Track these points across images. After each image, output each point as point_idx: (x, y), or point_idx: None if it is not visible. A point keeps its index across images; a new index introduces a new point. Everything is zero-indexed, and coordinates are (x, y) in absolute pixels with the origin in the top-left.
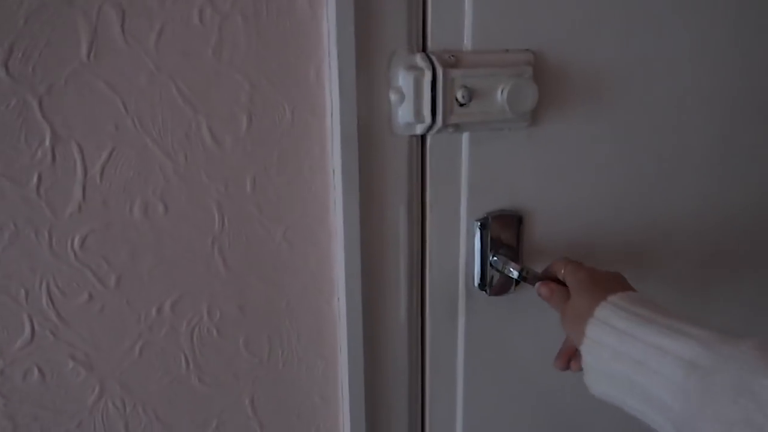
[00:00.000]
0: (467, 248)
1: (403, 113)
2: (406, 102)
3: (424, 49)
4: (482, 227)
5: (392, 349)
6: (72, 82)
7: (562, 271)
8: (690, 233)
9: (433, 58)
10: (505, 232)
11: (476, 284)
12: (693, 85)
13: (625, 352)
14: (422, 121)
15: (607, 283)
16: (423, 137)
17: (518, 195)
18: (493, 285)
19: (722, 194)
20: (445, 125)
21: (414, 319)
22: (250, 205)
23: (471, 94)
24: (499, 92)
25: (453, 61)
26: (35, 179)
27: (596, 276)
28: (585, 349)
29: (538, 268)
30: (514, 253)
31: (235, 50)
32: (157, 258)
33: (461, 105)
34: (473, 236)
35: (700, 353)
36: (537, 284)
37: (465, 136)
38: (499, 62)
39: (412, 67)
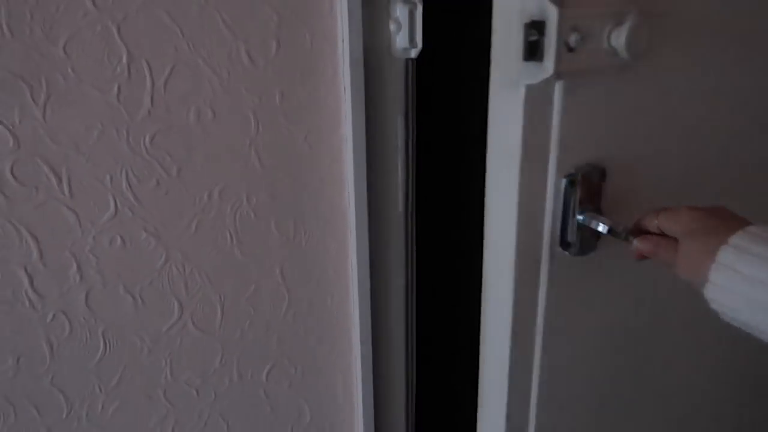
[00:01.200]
0: (554, 206)
1: (400, 40)
2: (402, 31)
3: None
4: (570, 184)
5: (391, 236)
6: (142, 12)
7: (656, 222)
8: None
9: None
10: (588, 188)
11: (560, 244)
12: None
13: (758, 300)
14: (415, 46)
15: (720, 221)
16: (414, 61)
17: (604, 147)
18: (578, 244)
19: None
20: (555, 74)
21: (409, 212)
22: (279, 114)
23: (583, 37)
24: (607, 34)
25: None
26: (116, 89)
27: (703, 217)
28: (710, 294)
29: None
30: (596, 208)
31: None
32: (207, 154)
33: (570, 50)
34: (560, 193)
35: None
36: (634, 241)
37: (558, 85)
38: (605, 1)
39: (407, 2)
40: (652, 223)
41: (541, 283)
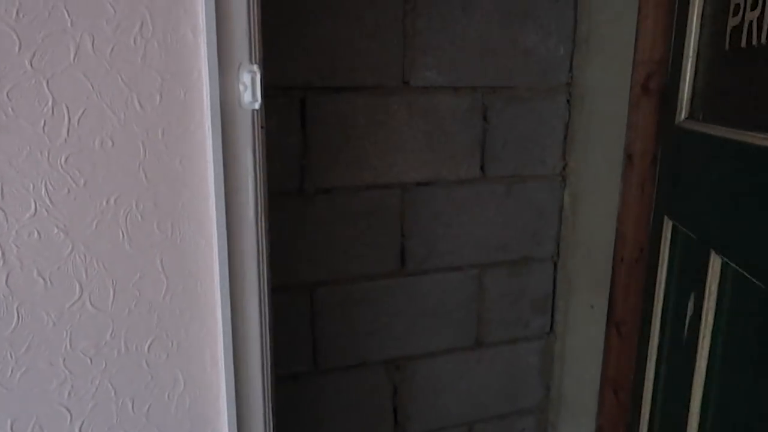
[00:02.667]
0: None
1: (246, 96)
2: (247, 90)
3: (257, 62)
4: None
5: (245, 236)
6: (65, 72)
7: None
8: None
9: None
10: None
11: None
12: None
13: None
14: (257, 101)
15: None
16: (257, 111)
17: None
18: None
19: None
20: None
21: (259, 217)
22: (161, 144)
23: None
24: None
25: None
26: (42, 123)
27: None
28: None
29: None
30: None
31: (152, 59)
32: (107, 172)
33: None
34: None
35: None
36: None
37: None
38: None
39: (250, 71)
40: None
41: None
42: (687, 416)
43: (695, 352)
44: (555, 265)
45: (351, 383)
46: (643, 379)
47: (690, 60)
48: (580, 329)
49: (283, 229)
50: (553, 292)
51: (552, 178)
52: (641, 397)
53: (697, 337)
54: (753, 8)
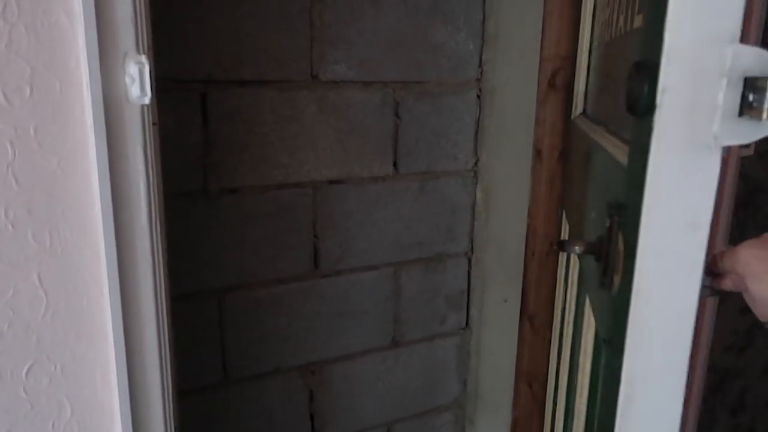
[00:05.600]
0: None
1: (134, 90)
2: (135, 83)
3: (145, 52)
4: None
5: (136, 244)
6: None
7: (720, 265)
8: None
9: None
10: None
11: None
12: None
13: None
14: (146, 95)
15: None
16: (148, 106)
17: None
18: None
19: None
20: None
21: (153, 222)
22: (34, 143)
23: None
24: None
25: None
26: None
27: (763, 251)
28: None
29: None
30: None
31: (20, 47)
32: None
33: None
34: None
35: None
36: (715, 281)
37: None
38: None
39: (138, 62)
40: (721, 267)
41: None
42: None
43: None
44: (469, 260)
45: (265, 391)
46: (556, 371)
47: (584, 54)
48: (494, 324)
49: (187, 232)
50: (468, 287)
51: (464, 173)
52: (555, 388)
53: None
54: None
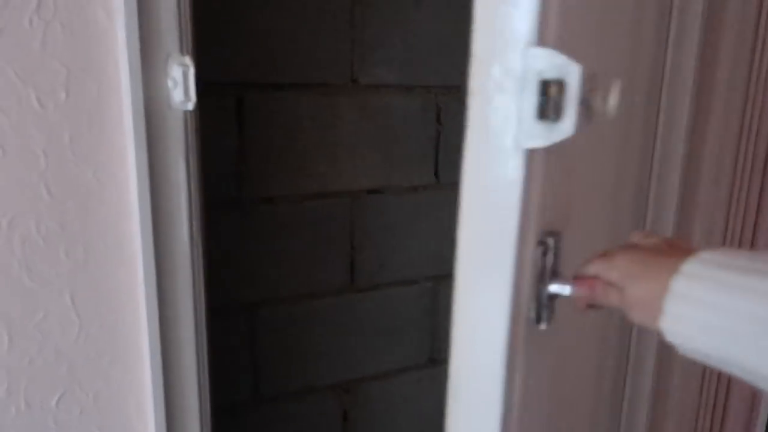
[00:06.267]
0: (531, 277)
1: (177, 95)
2: (178, 87)
3: (189, 53)
4: (543, 253)
5: (177, 261)
6: None
7: (591, 270)
8: None
9: (562, 58)
10: (551, 255)
11: (534, 317)
12: None
13: (715, 326)
14: (190, 100)
15: (662, 257)
16: (191, 112)
17: (563, 211)
18: (546, 313)
19: None
20: (575, 133)
21: (194, 236)
22: (68, 152)
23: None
24: (606, 95)
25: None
26: None
27: (642, 257)
28: (664, 326)
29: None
30: (557, 275)
31: (55, 46)
32: None
33: (587, 109)
34: (537, 264)
35: None
36: (569, 288)
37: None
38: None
39: (182, 64)
40: (590, 272)
41: (520, 357)
42: None
43: None
44: None
45: (297, 410)
46: None
47: None
48: None
49: (218, 243)
50: None
51: None
52: None
53: None
54: None
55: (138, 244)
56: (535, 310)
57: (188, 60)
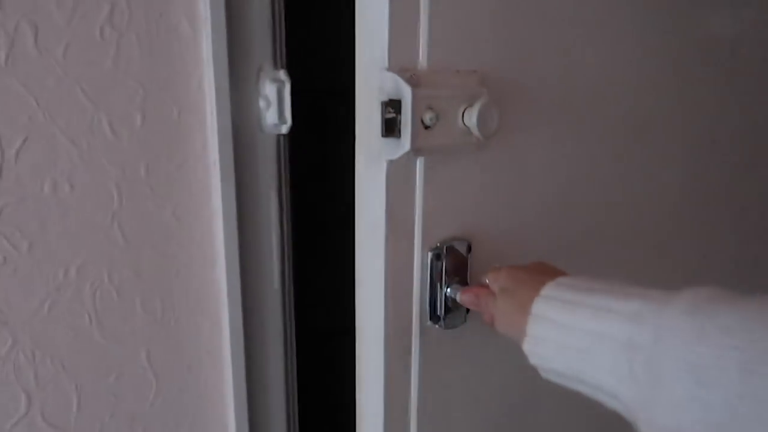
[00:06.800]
0: (421, 280)
1: (270, 116)
2: (271, 107)
3: (284, 67)
4: (436, 257)
5: (267, 313)
6: None
7: (484, 280)
8: (640, 249)
9: (396, 78)
10: (455, 261)
11: (430, 318)
12: (638, 104)
13: (567, 345)
14: (285, 122)
15: (533, 276)
16: (286, 137)
17: (467, 221)
18: (446, 317)
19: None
20: (413, 149)
21: (285, 288)
22: (144, 186)
23: (437, 116)
24: (462, 114)
25: (415, 80)
26: None
27: (518, 274)
28: (527, 348)
29: None
30: (463, 281)
31: (130, 62)
32: (64, 229)
33: (426, 128)
34: (427, 267)
35: (633, 331)
36: (458, 294)
37: (420, 161)
38: (454, 83)
39: (276, 80)
40: (483, 281)
41: (413, 358)
42: None
43: None
44: None
45: None
46: None
47: None
48: None
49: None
50: None
51: None
52: None
53: None
54: None
55: (223, 295)
56: (428, 312)
57: (283, 74)
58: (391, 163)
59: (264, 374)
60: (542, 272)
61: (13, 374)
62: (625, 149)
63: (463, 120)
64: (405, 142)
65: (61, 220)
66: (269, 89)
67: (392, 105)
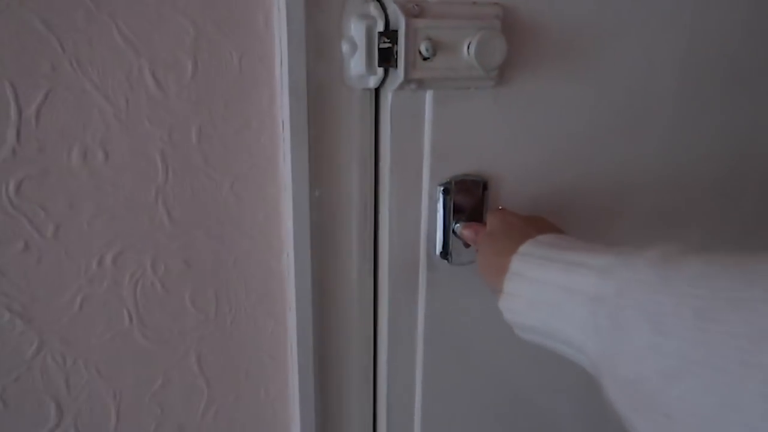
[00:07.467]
0: (429, 215)
1: (356, 65)
2: (358, 53)
3: None
4: (445, 192)
5: (343, 310)
6: (3, 15)
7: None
8: (657, 193)
9: (394, 7)
10: (469, 198)
11: (438, 253)
12: (665, 47)
13: (540, 300)
14: (374, 74)
15: (523, 229)
16: (377, 91)
17: (483, 159)
18: (455, 253)
19: (690, 155)
20: (407, 80)
21: (366, 280)
22: (196, 155)
23: (436, 47)
24: (466, 46)
25: (417, 10)
26: None
27: (511, 219)
28: (502, 304)
29: None
30: (479, 221)
31: None
32: (98, 208)
33: (425, 59)
34: (435, 202)
35: (601, 285)
36: (457, 227)
37: (428, 95)
38: (465, 14)
39: (365, 16)
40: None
41: (420, 292)
42: None
43: None
44: None
45: None
46: None
47: None
48: None
49: None
50: None
51: None
52: None
53: None
54: None
55: (291, 288)
56: (437, 246)
57: (374, 8)
58: (396, 95)
59: (339, 385)
60: (535, 226)
61: (40, 381)
62: (653, 96)
63: (468, 53)
64: (400, 72)
65: (93, 196)
66: (355, 29)
67: (388, 35)
